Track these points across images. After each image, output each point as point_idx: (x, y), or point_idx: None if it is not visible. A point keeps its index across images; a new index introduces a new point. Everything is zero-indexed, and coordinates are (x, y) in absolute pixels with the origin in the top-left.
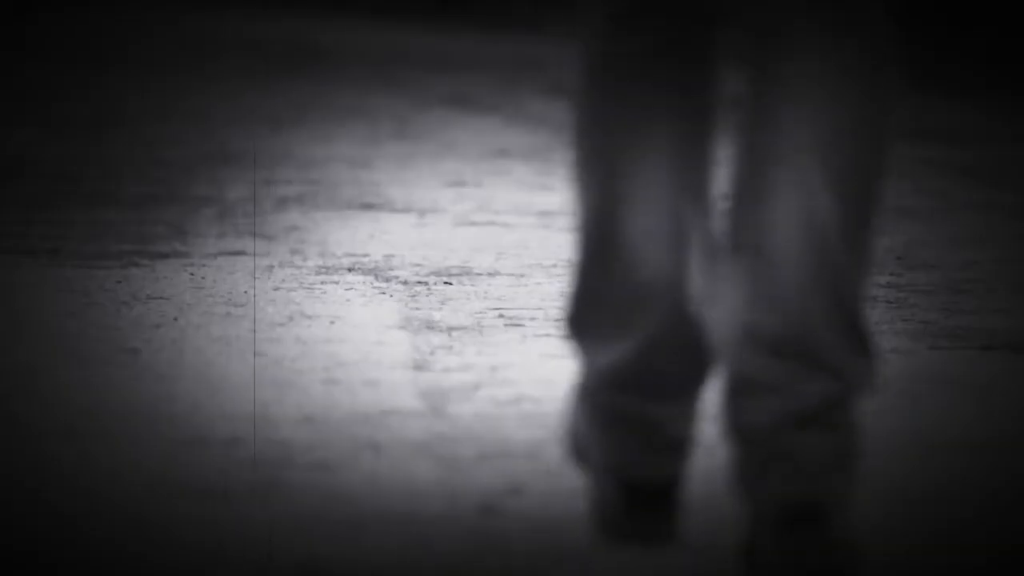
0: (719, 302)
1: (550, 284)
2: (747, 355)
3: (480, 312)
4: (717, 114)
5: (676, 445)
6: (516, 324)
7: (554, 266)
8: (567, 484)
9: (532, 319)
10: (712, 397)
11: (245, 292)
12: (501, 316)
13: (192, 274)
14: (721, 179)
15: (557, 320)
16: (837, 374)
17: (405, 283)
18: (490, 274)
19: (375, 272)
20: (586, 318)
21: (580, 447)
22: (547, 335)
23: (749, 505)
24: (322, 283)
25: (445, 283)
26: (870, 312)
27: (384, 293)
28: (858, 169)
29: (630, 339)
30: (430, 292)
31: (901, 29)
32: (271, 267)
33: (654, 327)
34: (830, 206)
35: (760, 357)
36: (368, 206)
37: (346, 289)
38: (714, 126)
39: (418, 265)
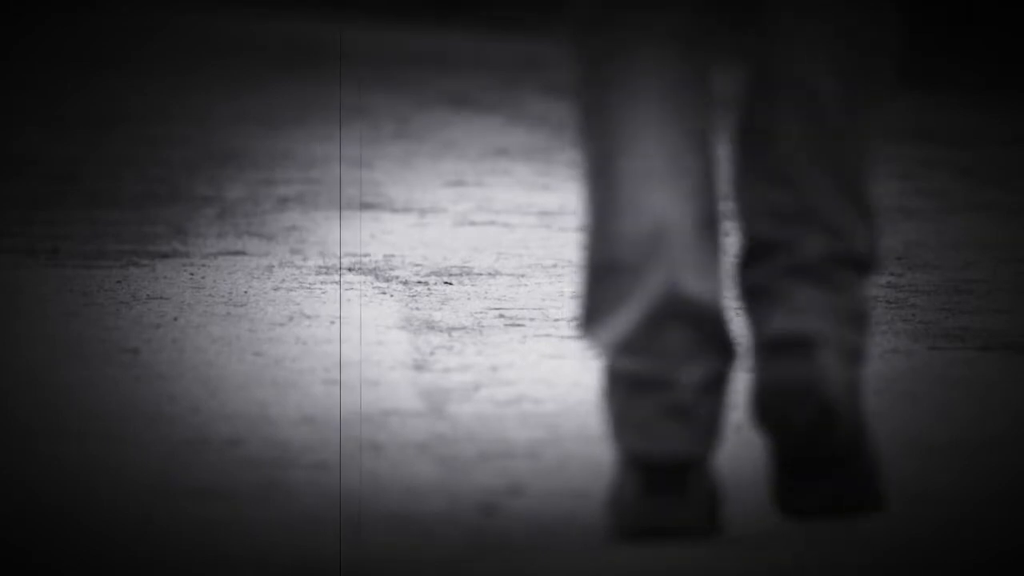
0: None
1: (550, 284)
2: (751, 224)
3: (480, 312)
4: (712, 58)
5: (696, 418)
6: (516, 324)
7: (554, 266)
8: (567, 484)
9: (532, 319)
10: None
11: (245, 292)
12: (501, 316)
13: (192, 274)
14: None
15: (557, 320)
16: (839, 235)
17: (405, 283)
18: (490, 274)
19: (375, 272)
20: (593, 300)
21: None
22: (547, 335)
23: (750, 341)
24: (322, 283)
25: (445, 283)
26: (874, 185)
27: (384, 293)
28: (859, 49)
29: (634, 306)
30: (430, 292)
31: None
32: (271, 267)
33: (655, 289)
34: (830, 83)
35: (763, 224)
36: (368, 206)
37: (346, 289)
38: (709, 72)
39: (418, 265)
